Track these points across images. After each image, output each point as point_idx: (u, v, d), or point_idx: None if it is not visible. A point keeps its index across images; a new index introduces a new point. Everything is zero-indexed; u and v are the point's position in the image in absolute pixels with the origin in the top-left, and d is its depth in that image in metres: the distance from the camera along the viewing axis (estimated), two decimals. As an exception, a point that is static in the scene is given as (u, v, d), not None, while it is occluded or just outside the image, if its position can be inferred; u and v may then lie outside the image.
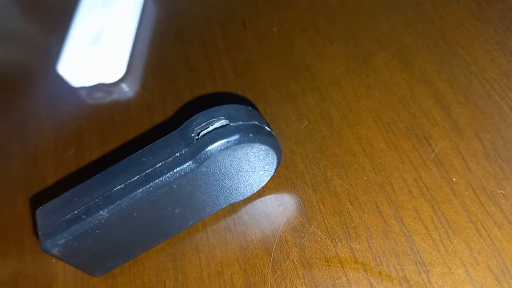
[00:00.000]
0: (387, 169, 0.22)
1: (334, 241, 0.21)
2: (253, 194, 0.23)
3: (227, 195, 0.22)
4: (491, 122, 0.22)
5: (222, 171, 0.20)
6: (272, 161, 0.21)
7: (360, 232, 0.21)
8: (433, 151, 0.22)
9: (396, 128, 0.23)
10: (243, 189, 0.22)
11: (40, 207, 0.21)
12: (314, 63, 0.27)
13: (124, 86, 0.31)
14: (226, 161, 0.20)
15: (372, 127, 0.24)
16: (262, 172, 0.22)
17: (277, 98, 0.27)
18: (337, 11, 0.29)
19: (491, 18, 0.26)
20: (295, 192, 0.23)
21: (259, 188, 0.23)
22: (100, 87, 0.31)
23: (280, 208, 0.23)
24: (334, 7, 0.29)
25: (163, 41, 0.32)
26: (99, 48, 0.30)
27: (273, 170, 0.22)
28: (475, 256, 0.19)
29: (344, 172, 0.23)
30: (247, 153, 0.20)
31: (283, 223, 0.22)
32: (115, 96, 0.30)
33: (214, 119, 0.20)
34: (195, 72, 0.30)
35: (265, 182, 0.23)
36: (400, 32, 0.27)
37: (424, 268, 0.19)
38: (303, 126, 0.25)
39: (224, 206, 0.23)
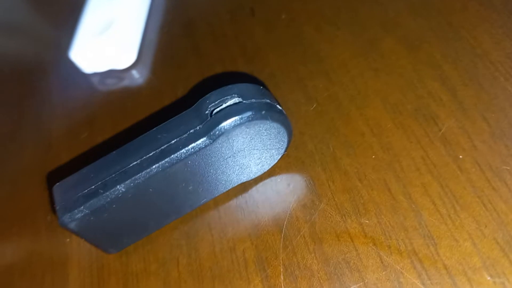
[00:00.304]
0: (395, 148, 0.23)
1: (344, 217, 0.22)
2: (264, 173, 0.24)
3: (239, 173, 0.23)
4: (496, 102, 0.23)
5: (235, 148, 0.21)
6: (283, 139, 0.22)
7: (369, 208, 0.22)
8: (440, 130, 0.23)
9: (404, 109, 0.24)
10: (254, 168, 0.23)
11: (57, 184, 0.21)
12: (321, 48, 0.28)
13: (135, 72, 0.31)
14: (239, 138, 0.20)
15: (380, 109, 0.24)
16: (273, 151, 0.22)
17: (286, 82, 0.27)
18: (344, -2, 0.30)
19: (495, 3, 0.26)
20: (305, 171, 0.23)
21: (270, 167, 0.23)
22: (111, 73, 0.31)
23: (290, 186, 0.23)
24: (340, -6, 0.30)
25: (172, 29, 0.33)
26: (111, 35, 0.30)
27: (284, 149, 0.23)
28: (482, 229, 0.20)
29: (353, 151, 0.23)
30: (260, 130, 0.21)
31: (293, 200, 0.23)
32: (126, 82, 0.31)
33: (228, 96, 0.20)
34: (204, 59, 0.30)
35: (276, 161, 0.23)
36: (405, 17, 0.28)
37: (432, 241, 0.20)
38: (312, 108, 0.26)
39: (235, 184, 0.23)
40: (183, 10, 0.34)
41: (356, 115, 0.25)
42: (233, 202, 0.24)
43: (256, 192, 0.24)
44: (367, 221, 0.21)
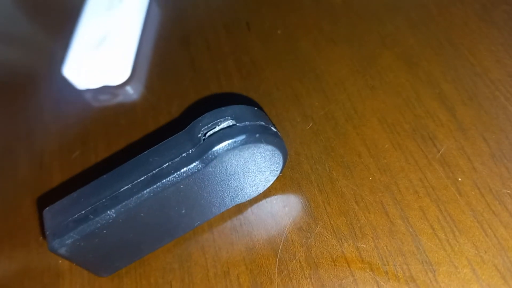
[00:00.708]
0: (392, 170, 0.22)
1: (340, 241, 0.21)
2: (259, 194, 0.23)
3: (233, 195, 0.22)
4: (496, 122, 0.22)
5: (228, 172, 0.20)
6: (278, 161, 0.21)
7: (366, 232, 0.21)
8: (439, 152, 0.22)
9: (401, 129, 0.23)
10: (249, 190, 0.22)
11: (47, 207, 0.21)
12: (318, 65, 0.28)
13: (129, 88, 0.31)
14: (233, 161, 0.20)
15: (377, 128, 0.24)
16: (268, 173, 0.22)
17: (282, 99, 0.27)
18: (341, 13, 0.29)
19: (496, 19, 0.26)
20: (301, 193, 0.23)
21: (265, 188, 0.23)
22: (105, 89, 0.31)
23: (286, 208, 0.23)
24: (337, 9, 0.30)
25: (167, 43, 0.33)
26: (104, 51, 0.30)
27: (279, 171, 0.22)
28: (482, 255, 0.19)
29: (350, 172, 0.23)
30: (254, 153, 0.20)
31: (289, 223, 0.22)
32: (120, 98, 0.31)
33: (221, 119, 0.20)
34: (200, 74, 0.30)
35: (271, 183, 0.23)
36: (404, 33, 0.27)
37: (430, 267, 0.19)
38: (308, 127, 0.25)
39: (230, 207, 0.23)
40: (178, 24, 0.33)
41: (353, 135, 0.24)
42: (228, 224, 0.23)
43: (251, 213, 0.23)
44: (364, 246, 0.21)
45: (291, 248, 0.21)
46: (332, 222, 0.22)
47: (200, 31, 0.32)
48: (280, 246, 0.22)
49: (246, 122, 0.20)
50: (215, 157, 0.19)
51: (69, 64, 0.30)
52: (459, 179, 0.21)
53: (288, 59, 0.28)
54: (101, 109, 0.30)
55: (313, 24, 0.29)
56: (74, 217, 0.20)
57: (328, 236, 0.21)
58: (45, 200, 0.27)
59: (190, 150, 0.20)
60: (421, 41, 0.26)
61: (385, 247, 0.20)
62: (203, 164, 0.19)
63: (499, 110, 0.23)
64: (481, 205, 0.20)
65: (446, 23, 0.27)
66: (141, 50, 0.33)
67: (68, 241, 0.19)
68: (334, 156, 0.24)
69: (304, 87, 0.27)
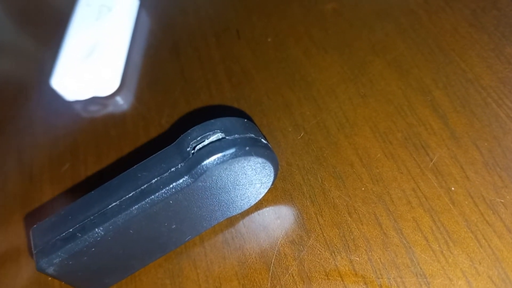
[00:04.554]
0: (385, 179, 0.22)
1: (333, 254, 0.21)
2: (251, 207, 0.23)
3: (224, 209, 0.22)
4: (489, 130, 0.22)
5: (218, 185, 0.20)
6: (269, 173, 0.21)
7: (359, 244, 0.21)
8: (431, 160, 0.22)
9: (393, 138, 0.23)
10: (240, 203, 0.22)
11: (35, 226, 0.20)
12: (309, 73, 0.27)
13: (119, 99, 0.30)
14: (223, 175, 0.20)
15: (369, 137, 0.24)
16: (259, 185, 0.22)
17: (273, 109, 0.26)
18: (331, 20, 0.29)
19: (486, 24, 0.26)
20: (293, 204, 0.23)
21: (257, 201, 0.23)
22: (94, 100, 0.31)
23: (278, 220, 0.22)
24: (328, 17, 0.29)
25: (157, 52, 0.32)
26: (93, 62, 0.29)
27: (270, 183, 0.22)
28: (476, 267, 0.19)
29: (342, 183, 0.23)
30: (244, 166, 0.20)
31: (281, 236, 0.22)
32: (110, 109, 0.30)
33: (210, 132, 0.20)
34: (190, 84, 0.30)
35: (263, 195, 0.22)
36: (394, 40, 0.27)
37: (425, 280, 0.19)
38: (299, 137, 0.25)
39: (221, 220, 0.22)
40: (168, 32, 0.33)
41: (345, 144, 0.24)
42: (219, 238, 0.23)
43: (242, 226, 0.23)
44: (357, 258, 0.20)
45: (284, 261, 0.21)
46: (325, 234, 0.21)
47: (190, 39, 0.32)
48: (273, 260, 0.21)
49: (236, 135, 0.20)
50: (204, 171, 0.19)
51: (57, 75, 0.30)
52: (452, 188, 0.21)
53: (279, 67, 0.28)
54: (91, 120, 0.30)
55: (304, 32, 0.29)
56: (62, 235, 0.19)
57: (321, 249, 0.21)
58: (34, 215, 0.27)
59: (179, 165, 0.19)
60: (412, 47, 0.26)
61: (378, 260, 0.20)
62: (192, 179, 0.19)
63: (491, 117, 0.23)
64: (474, 215, 0.20)
65: (436, 29, 0.26)
66: (130, 60, 0.32)
67: (56, 260, 0.19)
68: (326, 166, 0.23)
69: (295, 96, 0.27)
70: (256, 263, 0.22)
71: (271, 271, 0.21)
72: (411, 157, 0.22)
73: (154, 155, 0.20)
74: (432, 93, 0.24)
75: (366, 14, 0.29)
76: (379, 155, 0.23)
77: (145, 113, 0.29)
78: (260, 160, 0.20)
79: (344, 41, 0.28)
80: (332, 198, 0.22)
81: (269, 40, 0.30)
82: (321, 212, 0.22)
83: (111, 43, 0.30)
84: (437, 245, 0.20)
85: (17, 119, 0.32)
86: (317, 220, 0.22)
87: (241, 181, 0.21)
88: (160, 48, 0.32)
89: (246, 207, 0.23)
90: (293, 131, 0.25)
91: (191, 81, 0.30)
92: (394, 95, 0.25)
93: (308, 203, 0.22)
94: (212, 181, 0.20)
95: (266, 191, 0.22)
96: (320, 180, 0.23)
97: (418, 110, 0.24)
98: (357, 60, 0.27)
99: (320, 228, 0.22)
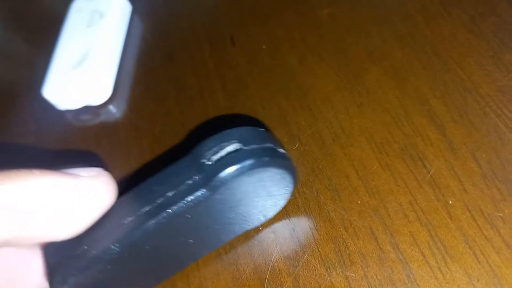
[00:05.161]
0: (381, 192, 0.22)
1: (328, 269, 0.20)
2: (245, 220, 0.22)
3: (242, 222, 0.21)
4: (487, 140, 0.22)
5: (237, 198, 0.19)
6: (288, 184, 0.20)
7: (355, 260, 0.20)
8: (428, 173, 0.22)
9: (390, 149, 0.23)
10: (258, 215, 0.21)
11: (48, 243, 0.20)
12: (305, 80, 0.27)
13: (111, 107, 0.30)
14: (241, 187, 0.19)
15: (365, 148, 0.23)
16: (278, 197, 0.21)
17: (268, 118, 0.26)
18: (327, 27, 0.28)
19: (485, 31, 0.25)
20: (288, 218, 0.22)
21: (275, 213, 0.22)
22: (86, 109, 0.30)
23: (272, 235, 0.22)
24: (323, 23, 0.29)
25: (150, 60, 0.32)
26: (84, 70, 0.29)
27: (289, 194, 0.21)
28: (474, 284, 0.19)
29: (338, 196, 0.22)
30: (263, 177, 0.19)
31: (276, 251, 0.21)
32: (102, 117, 0.30)
33: (226, 143, 0.19)
34: (184, 91, 0.29)
35: (281, 207, 0.22)
36: (391, 46, 0.26)
37: (421, 297, 0.19)
38: (294, 148, 0.24)
39: (239, 234, 0.22)
40: (161, 39, 0.32)
41: (340, 156, 0.23)
42: (213, 253, 0.22)
43: (236, 241, 0.22)
44: (353, 274, 0.20)
45: (278, 278, 0.21)
46: (320, 249, 0.21)
47: (184, 46, 0.31)
48: (267, 276, 0.21)
49: (254, 145, 0.19)
50: (223, 183, 0.18)
51: (49, 85, 0.29)
52: (450, 202, 0.21)
53: (274, 75, 0.28)
54: (83, 129, 0.29)
55: (299, 39, 0.29)
56: (76, 252, 0.19)
57: (316, 265, 0.21)
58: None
59: (196, 177, 0.19)
60: (409, 54, 0.26)
61: (374, 276, 0.20)
62: (210, 192, 0.18)
63: (490, 128, 0.22)
64: (472, 229, 0.20)
65: (434, 36, 0.26)
66: (123, 67, 0.32)
67: (70, 280, 0.18)
68: (322, 178, 0.23)
69: (291, 105, 0.26)
70: (250, 279, 0.21)
71: (265, 287, 0.21)
72: (408, 169, 0.22)
73: (167, 167, 0.20)
74: (429, 102, 0.24)
75: (362, 20, 0.28)
76: (375, 166, 0.22)
77: (138, 122, 0.29)
78: (279, 171, 0.19)
79: (340, 48, 0.27)
80: (328, 211, 0.22)
81: (264, 47, 0.29)
82: (316, 226, 0.22)
83: (103, 51, 0.30)
84: (434, 261, 0.19)
85: (8, 128, 0.31)
86: (312, 235, 0.21)
87: (259, 193, 0.20)
88: (153, 55, 0.32)
89: (264, 220, 0.22)
90: (288, 141, 0.25)
91: (185, 89, 0.29)
92: (390, 104, 0.24)
93: (303, 217, 0.22)
94: (230, 193, 0.19)
95: (285, 203, 0.21)
96: (315, 192, 0.23)
97: (415, 120, 0.23)
98: (353, 67, 0.26)
99: (316, 243, 0.21)
